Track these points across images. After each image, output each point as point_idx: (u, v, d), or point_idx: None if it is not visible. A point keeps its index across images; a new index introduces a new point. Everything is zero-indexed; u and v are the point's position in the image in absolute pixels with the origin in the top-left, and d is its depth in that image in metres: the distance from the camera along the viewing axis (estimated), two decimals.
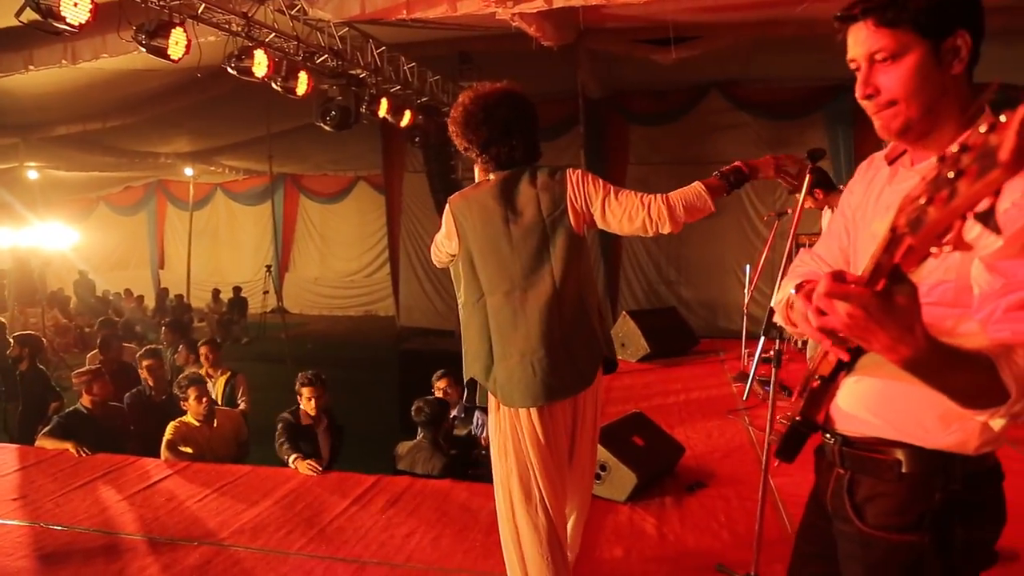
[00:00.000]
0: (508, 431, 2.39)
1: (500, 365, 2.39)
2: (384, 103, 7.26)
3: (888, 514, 1.33)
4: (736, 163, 2.29)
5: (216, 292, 14.38)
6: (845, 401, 1.41)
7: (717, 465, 4.35)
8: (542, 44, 6.85)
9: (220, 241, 16.55)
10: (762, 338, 3.13)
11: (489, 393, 2.46)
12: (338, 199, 15.46)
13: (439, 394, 5.03)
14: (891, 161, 1.42)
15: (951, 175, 0.76)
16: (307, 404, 4.65)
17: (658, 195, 2.22)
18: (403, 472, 4.39)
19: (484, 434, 4.80)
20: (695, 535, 3.42)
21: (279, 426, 4.55)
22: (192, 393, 4.75)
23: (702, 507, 3.71)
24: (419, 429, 4.48)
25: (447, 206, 2.43)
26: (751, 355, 6.43)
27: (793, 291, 1.41)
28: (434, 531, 3.51)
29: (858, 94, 1.28)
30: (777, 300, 1.55)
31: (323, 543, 3.41)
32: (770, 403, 2.79)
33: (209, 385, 5.78)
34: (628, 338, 7.29)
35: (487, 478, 4.61)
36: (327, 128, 6.33)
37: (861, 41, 1.24)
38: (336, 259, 15.91)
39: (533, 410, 2.37)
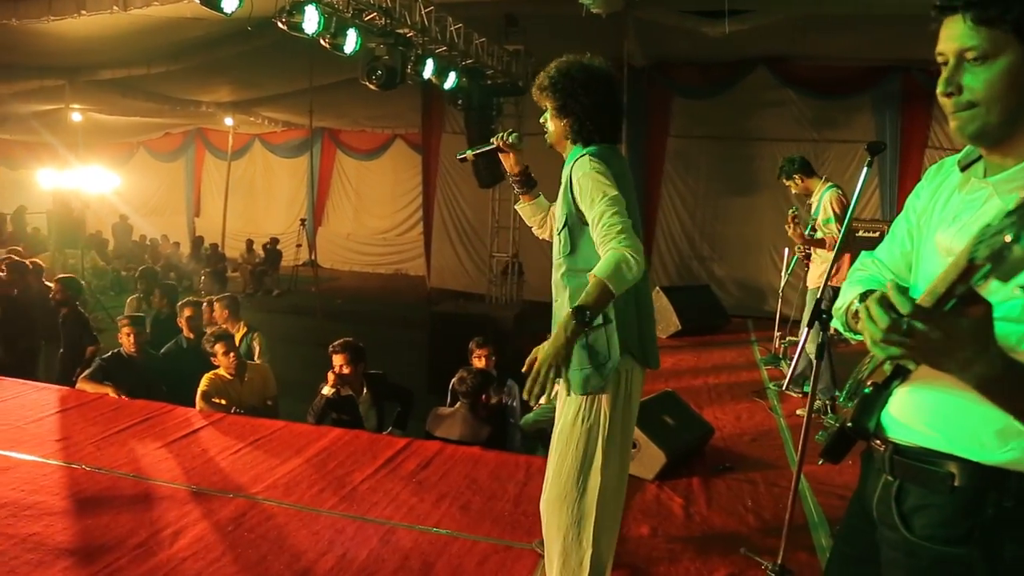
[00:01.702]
0: (630, 394, 2.34)
1: (647, 325, 2.38)
2: (430, 64, 7.20)
3: (936, 525, 1.32)
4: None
5: (250, 243, 14.52)
6: (898, 410, 1.40)
7: (745, 448, 4.36)
8: (591, 11, 6.75)
9: (256, 192, 16.67)
10: (805, 329, 3.10)
11: (623, 362, 2.29)
12: (374, 156, 15.45)
13: (478, 362, 5.06)
14: (964, 168, 1.38)
15: (1010, 237, 0.76)
16: (338, 373, 4.61)
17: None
18: (434, 437, 4.45)
19: (515, 403, 4.84)
20: (721, 518, 3.44)
21: (317, 404, 4.60)
22: (220, 349, 4.80)
23: (729, 490, 3.72)
24: (456, 396, 4.52)
25: (606, 155, 2.27)
26: (782, 338, 6.39)
27: (858, 301, 1.39)
28: (463, 498, 3.57)
29: (939, 90, 1.24)
30: (838, 306, 1.53)
31: (354, 503, 3.48)
32: (810, 396, 2.78)
33: None
34: (660, 314, 7.26)
35: (516, 449, 4.68)
36: (373, 87, 6.30)
37: (955, 35, 1.19)
38: (369, 216, 15.96)
39: (640, 373, 2.37)
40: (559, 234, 2.27)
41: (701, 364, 6.25)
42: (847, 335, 1.52)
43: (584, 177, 2.16)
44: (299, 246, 14.33)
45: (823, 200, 5.05)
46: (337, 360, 4.59)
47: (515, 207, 2.76)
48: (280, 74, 10.32)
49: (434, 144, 12.75)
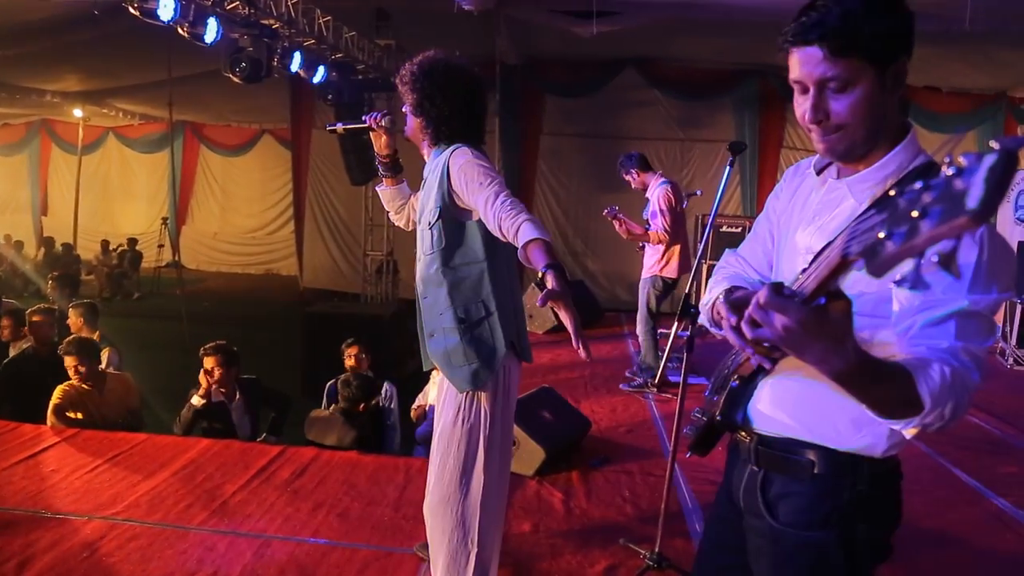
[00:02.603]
0: (508, 389, 2.29)
1: (521, 318, 2.35)
2: (297, 57, 6.97)
3: (798, 511, 1.40)
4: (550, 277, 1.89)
5: (105, 243, 13.59)
6: (763, 403, 1.46)
7: (622, 439, 4.47)
8: (462, 7, 6.73)
9: (111, 189, 15.58)
10: (676, 322, 3.20)
11: (503, 354, 2.23)
12: (241, 152, 14.79)
13: (349, 362, 4.94)
14: (819, 171, 1.46)
15: (915, 214, 0.77)
16: (210, 378, 4.35)
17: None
18: (311, 442, 4.31)
19: (393, 405, 4.76)
20: (600, 510, 3.51)
21: (185, 414, 4.34)
22: (70, 363, 4.39)
23: (607, 482, 3.81)
24: (332, 399, 4.39)
25: (475, 150, 2.22)
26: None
27: (722, 298, 1.44)
28: (341, 505, 3.47)
29: (807, 118, 1.29)
30: (704, 301, 1.58)
31: (225, 517, 3.31)
32: (681, 387, 2.87)
33: None
34: (536, 310, 7.35)
35: (395, 451, 4.60)
36: (236, 80, 6.02)
37: (813, 66, 1.24)
38: (237, 214, 15.28)
39: (517, 366, 2.35)
40: (431, 227, 2.22)
41: (577, 359, 6.34)
42: (712, 330, 1.57)
43: (467, 165, 2.13)
44: (161, 246, 13.59)
45: (655, 195, 5.31)
46: (209, 363, 4.34)
47: (376, 188, 2.71)
48: (136, 63, 9.66)
49: (304, 139, 12.38)
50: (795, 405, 1.41)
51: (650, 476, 3.87)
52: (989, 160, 0.72)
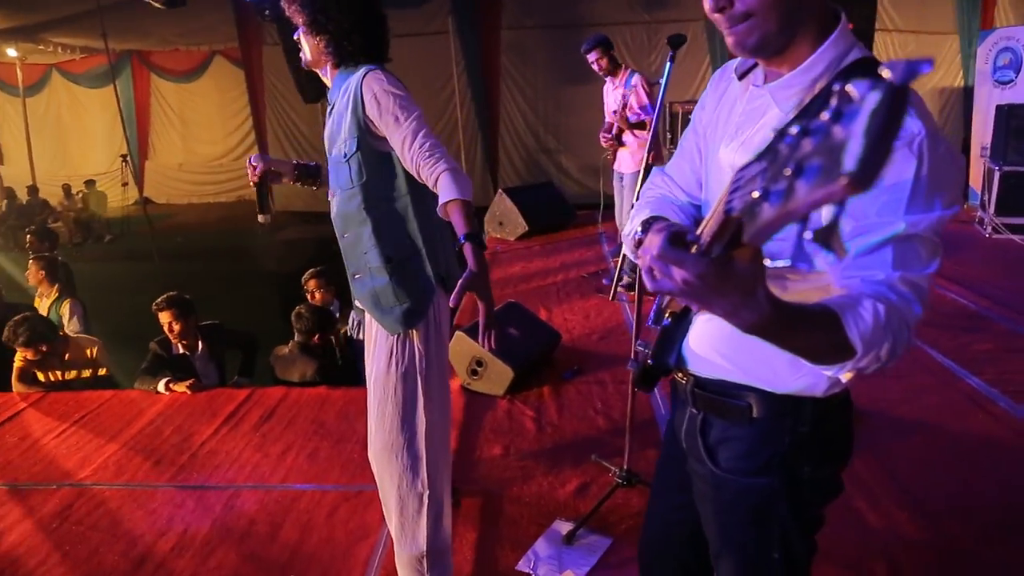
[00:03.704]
0: (440, 325, 2.18)
1: (451, 250, 2.18)
2: None
3: (739, 458, 1.33)
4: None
5: (67, 188, 13.21)
6: (697, 342, 1.36)
7: (594, 347, 4.43)
8: None
9: (65, 130, 14.97)
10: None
11: (434, 291, 2.13)
12: (194, 77, 14.15)
13: (310, 296, 4.82)
14: (741, 76, 1.30)
15: (788, 171, 0.62)
16: (169, 332, 4.22)
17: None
18: (280, 381, 4.25)
19: (360, 334, 4.68)
20: (573, 424, 3.48)
21: (147, 359, 4.24)
22: (21, 353, 4.23)
23: (579, 394, 3.78)
24: (294, 334, 4.30)
25: (389, 75, 2.03)
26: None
27: (640, 230, 1.31)
28: (310, 445, 3.44)
29: (707, 6, 1.13)
30: (625, 232, 1.45)
31: (194, 471, 3.28)
32: (636, 301, 2.78)
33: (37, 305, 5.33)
34: (506, 216, 7.21)
35: (360, 381, 4.56)
36: (157, 5, 5.63)
37: None
38: (199, 143, 14.78)
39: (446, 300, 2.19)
40: (346, 160, 2.06)
41: (550, 265, 6.28)
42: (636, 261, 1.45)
43: (382, 94, 1.94)
44: (125, 184, 13.22)
45: (636, 81, 5.09)
46: (164, 318, 4.20)
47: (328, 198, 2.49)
48: None
49: (255, 58, 11.87)
50: (729, 345, 1.31)
51: (622, 384, 3.84)
52: (872, 100, 0.56)
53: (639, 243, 1.33)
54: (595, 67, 5.32)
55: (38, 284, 5.40)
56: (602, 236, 7.15)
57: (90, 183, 13.42)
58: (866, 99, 0.56)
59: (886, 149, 0.55)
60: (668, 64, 2.74)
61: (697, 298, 0.96)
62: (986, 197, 6.97)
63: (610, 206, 6.17)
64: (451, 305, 1.69)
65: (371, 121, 1.98)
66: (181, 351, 4.27)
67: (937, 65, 9.71)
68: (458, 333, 3.82)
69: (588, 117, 10.98)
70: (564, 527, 2.67)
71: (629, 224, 1.48)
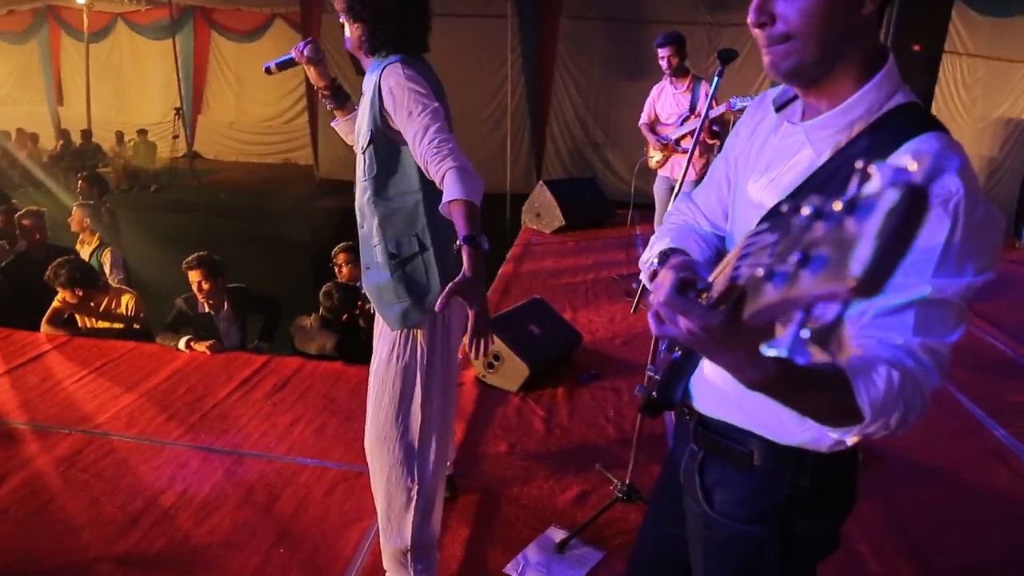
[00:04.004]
0: (449, 326, 2.18)
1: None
2: None
3: (734, 503, 1.29)
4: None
5: (120, 135, 13.43)
6: (704, 381, 1.31)
7: (616, 352, 4.37)
8: None
9: (124, 78, 15.18)
10: None
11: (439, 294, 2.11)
12: (253, 37, 14.26)
13: (338, 270, 4.83)
14: (779, 108, 1.23)
15: (793, 259, 0.56)
16: (198, 291, 4.27)
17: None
18: (298, 351, 4.28)
19: None
20: (582, 430, 3.44)
21: (171, 314, 4.29)
22: (59, 280, 4.29)
23: (593, 399, 3.73)
24: (319, 308, 4.32)
25: (417, 66, 2.00)
26: None
27: (657, 260, 1.27)
28: (319, 420, 3.45)
29: (749, 20, 1.06)
30: (643, 259, 1.40)
31: (202, 432, 3.32)
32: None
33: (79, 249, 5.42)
34: (544, 208, 7.16)
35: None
36: None
37: None
38: (252, 103, 14.90)
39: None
40: (363, 152, 2.04)
41: (582, 262, 6.22)
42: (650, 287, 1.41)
43: (398, 88, 1.92)
44: (175, 137, 13.41)
45: (704, 91, 4.99)
46: (194, 276, 4.25)
47: (332, 125, 2.49)
48: None
49: (315, 24, 11.88)
50: (737, 388, 1.24)
51: (638, 395, 3.77)
52: (890, 198, 0.49)
53: (654, 275, 1.28)
54: (663, 63, 5.11)
55: (81, 231, 5.50)
56: (638, 239, 7.06)
57: (142, 132, 13.64)
58: (884, 194, 0.50)
59: (896, 258, 0.50)
60: (716, 79, 2.68)
61: (701, 349, 0.92)
62: None
63: (640, 206, 6.09)
64: (436, 310, 1.66)
65: (387, 114, 1.96)
66: (206, 310, 4.32)
67: (1006, 95, 9.41)
68: None
69: (638, 114, 10.87)
70: (558, 535, 2.64)
71: (648, 251, 1.43)
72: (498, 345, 3.70)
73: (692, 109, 5.11)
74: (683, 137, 5.14)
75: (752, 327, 0.84)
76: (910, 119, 1.06)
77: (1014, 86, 9.31)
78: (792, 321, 0.60)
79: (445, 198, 1.78)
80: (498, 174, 9.62)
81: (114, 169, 12.55)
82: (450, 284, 1.64)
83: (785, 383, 0.90)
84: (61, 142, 13.69)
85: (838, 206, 0.53)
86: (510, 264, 6.16)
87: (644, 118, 5.48)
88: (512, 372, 3.70)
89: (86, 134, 13.39)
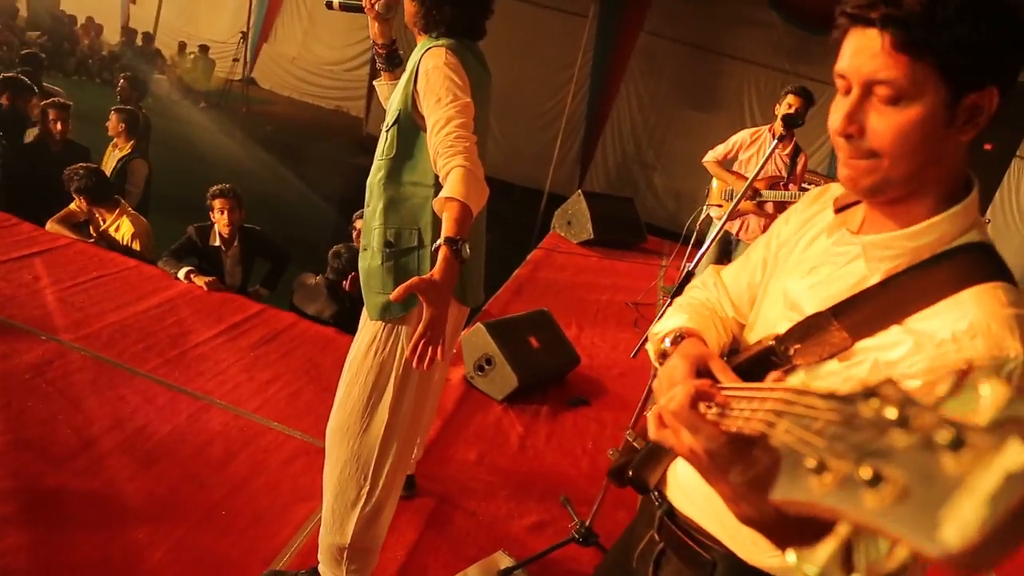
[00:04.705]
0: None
1: (474, 259, 2.07)
2: None
3: None
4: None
5: (183, 45, 13.45)
6: (684, 474, 1.21)
7: (610, 383, 4.26)
8: None
9: None
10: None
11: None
12: None
13: (355, 234, 4.74)
14: (839, 210, 1.12)
15: (864, 473, 0.45)
16: (219, 219, 4.18)
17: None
18: (295, 308, 4.20)
19: None
20: (556, 456, 3.34)
21: (179, 240, 4.23)
22: (72, 185, 4.29)
23: (575, 426, 3.63)
24: (327, 269, 4.24)
25: (463, 55, 1.91)
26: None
27: (669, 342, 1.17)
28: (297, 383, 3.37)
29: (834, 125, 0.95)
30: (654, 332, 1.28)
31: (178, 369, 3.25)
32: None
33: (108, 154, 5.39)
34: (575, 218, 7.04)
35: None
36: None
37: (866, 57, 0.89)
38: (319, 43, 14.84)
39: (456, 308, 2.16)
40: (387, 131, 1.95)
41: (601, 280, 6.09)
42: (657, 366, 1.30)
43: (435, 71, 1.83)
44: (236, 60, 13.37)
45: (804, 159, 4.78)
46: (218, 204, 4.17)
47: (373, 83, 2.41)
48: None
49: None
50: (716, 493, 1.16)
51: (621, 430, 3.67)
52: (1017, 459, 0.38)
53: (664, 354, 1.18)
54: (785, 110, 4.57)
55: (116, 136, 5.46)
56: (663, 268, 6.92)
57: (204, 48, 13.62)
58: (1007, 449, 0.39)
59: (1017, 540, 0.38)
60: (774, 142, 2.55)
61: (698, 470, 0.84)
62: None
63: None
64: (392, 299, 1.55)
65: (418, 96, 1.87)
66: (217, 243, 4.25)
67: None
68: (478, 325, 3.70)
69: (693, 145, 10.70)
70: (504, 561, 2.55)
71: (661, 323, 1.32)
72: (493, 349, 3.60)
73: (790, 175, 4.81)
74: (767, 202, 4.79)
75: (761, 464, 0.74)
76: (980, 261, 0.95)
77: None
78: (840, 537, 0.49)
79: (444, 192, 1.67)
80: (541, 170, 9.51)
81: (169, 78, 12.57)
82: (415, 278, 1.52)
83: (780, 529, 0.81)
84: (123, 39, 13.72)
85: (932, 422, 0.42)
86: (528, 266, 6.05)
87: (717, 155, 4.91)
88: (501, 380, 3.60)
89: (148, 37, 13.40)
